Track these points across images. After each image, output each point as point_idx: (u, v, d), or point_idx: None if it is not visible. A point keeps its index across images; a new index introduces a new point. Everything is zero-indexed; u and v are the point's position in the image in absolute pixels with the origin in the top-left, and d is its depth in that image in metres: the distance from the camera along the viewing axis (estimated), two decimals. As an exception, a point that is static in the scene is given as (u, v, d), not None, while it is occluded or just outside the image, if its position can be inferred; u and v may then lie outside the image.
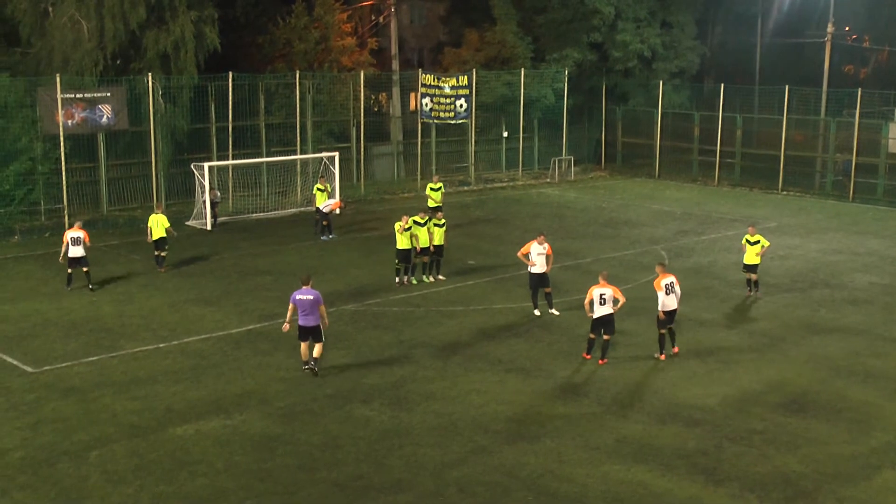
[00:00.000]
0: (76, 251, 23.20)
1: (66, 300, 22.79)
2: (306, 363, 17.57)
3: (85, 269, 23.51)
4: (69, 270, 23.47)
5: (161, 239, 25.47)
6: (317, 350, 17.46)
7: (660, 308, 18.55)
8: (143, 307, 22.25)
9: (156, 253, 25.82)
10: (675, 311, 18.79)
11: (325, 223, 30.44)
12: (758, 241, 23.32)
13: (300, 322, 17.24)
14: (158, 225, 25.43)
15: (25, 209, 31.03)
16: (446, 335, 20.23)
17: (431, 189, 31.91)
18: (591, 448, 14.58)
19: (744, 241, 23.65)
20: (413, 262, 24.49)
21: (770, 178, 42.58)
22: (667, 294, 18.54)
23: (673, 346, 19.03)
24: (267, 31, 41.35)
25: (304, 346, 17.47)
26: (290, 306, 17.27)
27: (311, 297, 17.12)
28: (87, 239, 23.54)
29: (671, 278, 18.84)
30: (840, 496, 13.13)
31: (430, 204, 30.97)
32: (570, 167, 46.25)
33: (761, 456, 14.36)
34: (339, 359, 18.50)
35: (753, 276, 23.52)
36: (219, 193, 32.73)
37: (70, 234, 23.34)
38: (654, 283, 18.87)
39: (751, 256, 23.36)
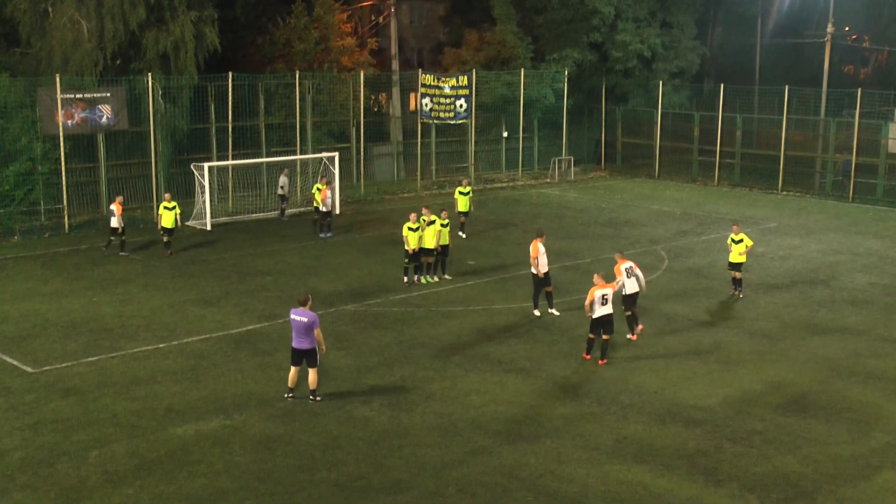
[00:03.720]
0: (112, 222, 27.40)
1: (66, 300, 22.81)
2: (291, 391, 16.25)
3: (122, 238, 27.61)
4: (110, 238, 27.68)
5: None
6: (311, 378, 16.07)
7: (621, 292, 19.64)
8: (143, 307, 22.25)
9: (167, 239, 27.93)
10: (637, 293, 19.88)
11: (324, 222, 30.53)
12: (741, 240, 23.49)
13: (293, 343, 16.04)
14: (169, 213, 27.84)
15: (25, 209, 31.03)
16: (446, 335, 20.23)
17: (460, 193, 30.77)
18: (591, 448, 14.58)
19: (729, 240, 23.90)
20: (422, 262, 24.52)
21: (770, 179, 42.61)
22: (627, 277, 19.64)
23: (638, 325, 20.11)
24: (267, 31, 41.36)
25: (293, 371, 16.14)
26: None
27: (304, 320, 15.81)
28: (118, 212, 27.23)
29: (629, 263, 19.88)
30: (840, 496, 13.13)
31: (460, 208, 30.47)
32: (570, 167, 46.27)
33: (761, 456, 14.36)
34: (339, 359, 18.49)
35: (737, 274, 23.68)
36: (286, 180, 33.30)
37: (111, 206, 27.72)
38: (614, 268, 19.90)
39: (735, 255, 23.58)
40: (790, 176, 42.16)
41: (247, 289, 24.01)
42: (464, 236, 30.45)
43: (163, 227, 27.64)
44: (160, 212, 27.80)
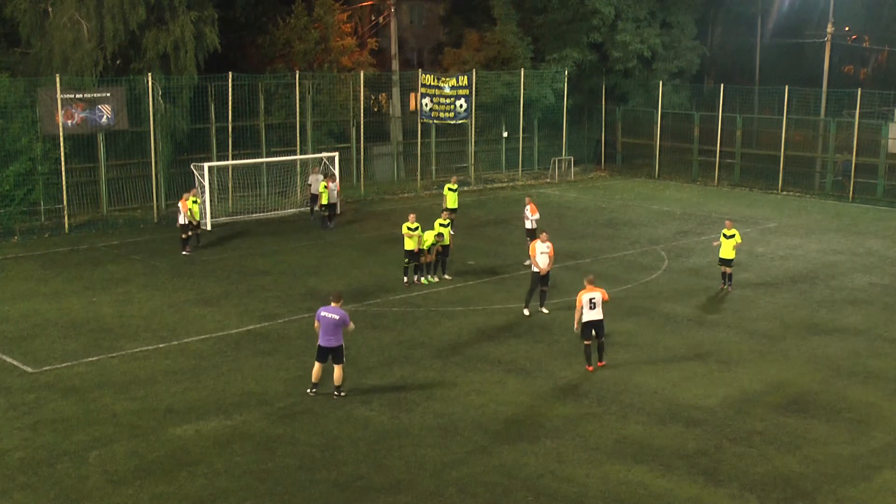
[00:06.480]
0: (179, 219, 27.96)
1: (66, 300, 22.80)
2: (315, 386, 16.45)
3: (189, 234, 28.11)
4: (184, 236, 28.04)
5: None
6: (337, 375, 16.27)
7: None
8: (143, 307, 22.25)
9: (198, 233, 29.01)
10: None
11: (326, 213, 31.70)
12: (733, 236, 23.60)
13: (320, 342, 16.17)
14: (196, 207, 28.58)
15: (25, 209, 31.02)
16: (446, 335, 20.23)
17: (449, 189, 30.96)
18: (591, 448, 14.58)
19: (721, 235, 24.01)
20: (421, 262, 24.55)
21: (770, 179, 42.60)
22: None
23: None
24: (267, 31, 41.34)
25: (317, 367, 16.34)
26: (315, 323, 16.34)
27: (336, 318, 16.02)
28: (184, 209, 27.66)
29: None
30: (840, 497, 13.12)
31: (448, 205, 30.48)
32: (570, 167, 46.26)
33: (761, 456, 14.36)
34: (339, 359, 18.50)
35: (728, 270, 23.79)
36: (320, 178, 33.13)
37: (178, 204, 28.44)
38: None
39: (727, 250, 23.68)
40: (790, 176, 42.16)
41: (247, 289, 24.02)
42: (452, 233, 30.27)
43: (197, 221, 28.33)
44: (190, 206, 27.89)
